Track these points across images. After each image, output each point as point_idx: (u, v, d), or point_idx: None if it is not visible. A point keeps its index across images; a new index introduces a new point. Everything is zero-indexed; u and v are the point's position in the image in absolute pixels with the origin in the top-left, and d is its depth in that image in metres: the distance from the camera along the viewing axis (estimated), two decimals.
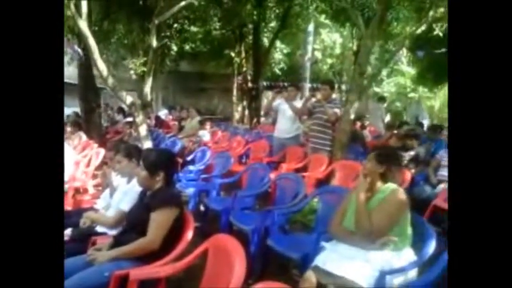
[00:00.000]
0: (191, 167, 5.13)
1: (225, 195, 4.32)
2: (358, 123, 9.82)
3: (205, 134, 7.22)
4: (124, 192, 2.68)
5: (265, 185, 3.86)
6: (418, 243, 2.28)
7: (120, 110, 10.00)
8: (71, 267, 2.04)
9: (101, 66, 5.32)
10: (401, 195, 2.24)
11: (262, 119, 12.53)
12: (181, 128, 8.13)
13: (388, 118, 11.65)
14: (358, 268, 2.07)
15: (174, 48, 12.23)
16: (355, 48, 11.90)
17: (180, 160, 5.05)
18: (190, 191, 4.14)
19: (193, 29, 12.35)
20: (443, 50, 10.28)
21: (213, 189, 4.25)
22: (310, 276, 2.10)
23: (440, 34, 9.83)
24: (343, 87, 15.97)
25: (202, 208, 4.08)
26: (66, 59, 11.59)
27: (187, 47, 13.28)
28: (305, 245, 2.59)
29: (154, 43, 5.90)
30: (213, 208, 3.77)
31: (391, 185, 2.31)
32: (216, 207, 3.71)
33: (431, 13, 5.34)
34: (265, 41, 13.75)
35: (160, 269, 2.01)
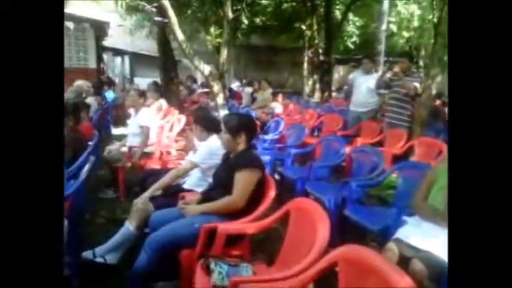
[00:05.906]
0: (266, 137, 5.21)
1: (299, 166, 4.36)
2: (438, 101, 9.16)
3: (277, 106, 7.27)
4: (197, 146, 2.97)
5: (340, 158, 3.82)
6: None
7: (191, 79, 10.43)
8: (163, 218, 2.27)
9: (180, 36, 5.53)
10: None
11: (334, 93, 12.23)
12: (253, 100, 8.25)
13: None
14: (444, 245, 1.99)
15: (245, 21, 12.24)
16: (435, 20, 10.88)
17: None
18: (266, 159, 4.21)
19: (264, 2, 12.23)
20: None
21: (288, 158, 4.29)
22: (393, 247, 2.06)
23: None
24: (421, 62, 14.87)
25: (277, 177, 4.15)
26: (144, 32, 12.27)
27: (257, 20, 13.23)
28: (383, 218, 2.56)
29: (230, 14, 5.97)
30: (289, 176, 3.83)
31: None
32: (291, 175, 3.77)
33: None
34: (337, 14, 13.22)
35: (247, 225, 2.12)
